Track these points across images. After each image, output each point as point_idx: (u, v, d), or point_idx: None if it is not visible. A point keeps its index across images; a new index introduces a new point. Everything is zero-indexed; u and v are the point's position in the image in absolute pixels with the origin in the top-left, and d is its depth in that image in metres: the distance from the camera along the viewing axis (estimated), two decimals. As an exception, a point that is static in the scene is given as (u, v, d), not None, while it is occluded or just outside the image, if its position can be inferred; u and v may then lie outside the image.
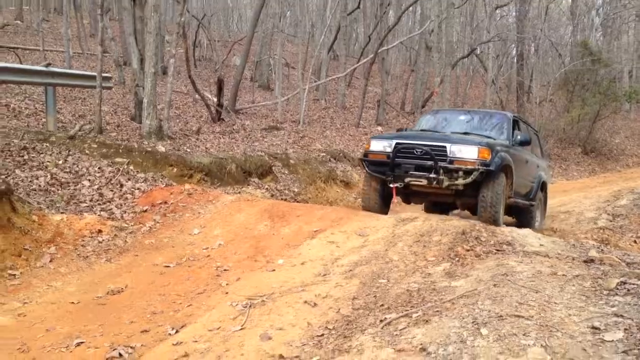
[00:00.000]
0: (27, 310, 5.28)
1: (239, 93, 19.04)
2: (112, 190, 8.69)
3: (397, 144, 7.61)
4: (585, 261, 5.25)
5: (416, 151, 7.43)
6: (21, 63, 15.14)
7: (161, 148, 10.68)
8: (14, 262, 6.13)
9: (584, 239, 8.33)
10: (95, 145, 9.88)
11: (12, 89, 13.35)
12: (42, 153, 9.13)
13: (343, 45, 26.94)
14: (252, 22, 18.84)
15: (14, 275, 5.94)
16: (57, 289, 5.84)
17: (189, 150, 11.36)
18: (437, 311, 4.25)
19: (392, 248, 6.23)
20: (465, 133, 8.37)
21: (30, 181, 8.25)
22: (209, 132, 13.66)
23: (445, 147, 7.31)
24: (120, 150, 9.88)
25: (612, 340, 3.36)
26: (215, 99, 15.85)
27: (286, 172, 12.16)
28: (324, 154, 13.70)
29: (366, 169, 7.98)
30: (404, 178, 7.46)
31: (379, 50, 19.72)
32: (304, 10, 33.74)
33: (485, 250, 5.80)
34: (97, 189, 8.63)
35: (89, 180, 8.81)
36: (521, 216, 9.31)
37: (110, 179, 8.95)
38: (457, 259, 5.61)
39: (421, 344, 3.64)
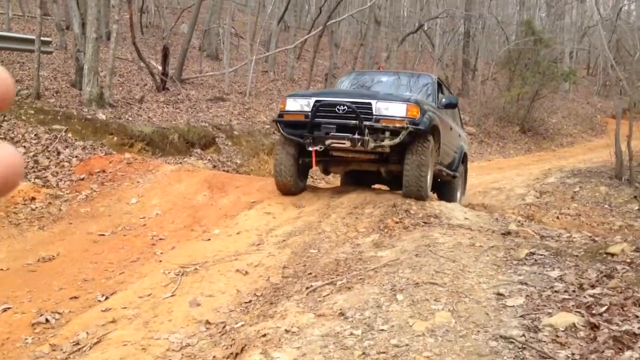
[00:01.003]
0: (-46, 276, 5.24)
1: (187, 62, 18.75)
2: (48, 158, 8.55)
3: (316, 101, 6.68)
4: (503, 234, 5.56)
5: (338, 109, 6.56)
6: (-45, 23, 14.52)
7: (102, 116, 10.52)
8: (-59, 228, 6.03)
9: (511, 214, 8.73)
10: (32, 111, 9.65)
11: (-56, 50, 12.82)
12: (-26, 118, 8.87)
13: (294, 17, 26.79)
14: (201, -10, 18.50)
15: (-59, 241, 5.86)
16: (-14, 256, 5.79)
17: (130, 119, 11.22)
18: (361, 279, 4.45)
19: (325, 220, 6.41)
20: (388, 94, 7.38)
21: (-39, 146, 8.02)
22: (153, 101, 13.47)
23: (370, 104, 6.54)
24: (59, 117, 9.69)
25: (513, 306, 3.64)
26: (160, 68, 15.60)
27: (229, 143, 12.17)
28: (269, 127, 13.74)
29: (281, 131, 6.92)
30: (324, 140, 6.56)
31: (328, 23, 19.72)
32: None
33: (413, 222, 6.04)
34: (33, 156, 8.48)
35: (24, 147, 8.63)
36: (443, 189, 8.75)
37: (47, 146, 8.80)
38: (386, 230, 5.83)
39: (340, 309, 3.84)
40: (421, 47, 34.74)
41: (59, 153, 8.74)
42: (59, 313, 4.52)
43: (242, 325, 4.00)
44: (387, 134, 6.42)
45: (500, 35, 31.09)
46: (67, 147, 8.97)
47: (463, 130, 10.01)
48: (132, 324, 4.23)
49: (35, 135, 8.99)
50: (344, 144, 6.54)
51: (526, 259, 4.50)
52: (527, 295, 3.78)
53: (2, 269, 5.44)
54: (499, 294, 3.86)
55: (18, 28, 17.86)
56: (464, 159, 9.22)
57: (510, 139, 20.91)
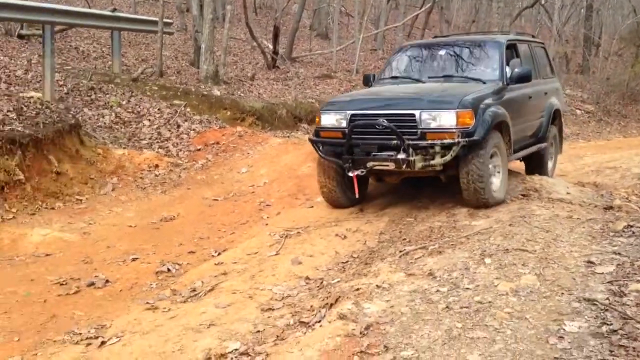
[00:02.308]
0: (91, 229, 6.00)
1: (297, 41, 19.32)
2: (169, 130, 9.33)
3: (352, 116, 5.77)
4: (604, 208, 5.48)
5: (378, 125, 5.59)
6: (89, 8, 15.89)
7: (216, 92, 11.23)
8: (81, 189, 6.87)
9: (623, 193, 8.41)
10: (156, 88, 10.51)
11: (81, 33, 14.12)
12: (107, 93, 9.82)
13: (404, -5, 26.55)
14: (311, -30, 18.92)
15: (81, 200, 6.69)
16: (118, 214, 6.54)
17: (242, 95, 11.87)
18: (452, 245, 4.63)
19: (424, 189, 6.59)
20: (446, 76, 6.55)
21: (96, 119, 8.96)
22: (263, 79, 14.12)
23: (413, 115, 5.48)
24: (179, 93, 10.48)
25: (602, 273, 3.68)
26: (271, 47, 16.23)
27: (336, 119, 12.52)
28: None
29: (319, 153, 6.06)
30: (366, 162, 5.68)
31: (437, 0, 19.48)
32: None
33: (512, 196, 6.07)
34: (156, 128, 9.29)
35: (149, 120, 9.47)
36: (530, 159, 7.50)
37: (169, 120, 9.59)
38: (482, 202, 5.92)
39: (430, 270, 4.05)
40: (539, 23, 33.22)
41: (178, 126, 9.50)
42: (178, 264, 5.09)
43: (338, 282, 4.32)
44: (438, 148, 5.42)
45: (627, 7, 29.08)
46: (185, 120, 9.72)
47: (554, 79, 8.37)
48: (240, 277, 4.68)
49: (158, 109, 9.81)
50: (387, 166, 5.63)
51: (623, 231, 4.47)
52: (618, 264, 3.80)
53: (131, 226, 6.13)
54: (589, 262, 3.90)
55: (143, 11, 19.17)
56: (554, 117, 7.76)
57: (633, 117, 19.68)
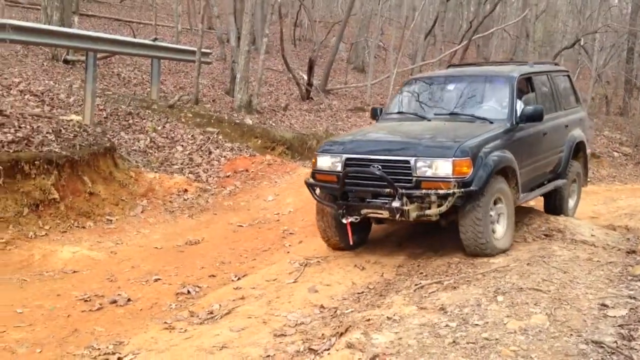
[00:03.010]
0: (118, 249, 6.19)
1: (333, 74, 19.64)
2: (201, 156, 9.58)
3: (347, 160, 5.51)
4: (627, 252, 5.43)
5: (373, 169, 5.33)
6: (134, 37, 16.50)
7: (249, 121, 11.51)
8: (111, 210, 7.11)
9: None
10: (191, 115, 10.84)
11: (124, 60, 14.66)
12: (144, 119, 10.17)
13: (440, 31, 26.79)
14: (349, 5, 19.31)
15: (111, 220, 6.92)
16: (145, 235, 6.74)
17: (274, 124, 12.13)
18: (467, 281, 4.65)
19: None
20: (453, 114, 6.19)
21: (132, 142, 9.28)
22: (296, 109, 14.39)
23: (408, 162, 5.21)
24: (212, 121, 10.79)
25: (614, 316, 3.67)
26: (306, 78, 16.55)
27: (366, 151, 12.66)
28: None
29: (315, 197, 5.83)
30: (360, 209, 5.47)
31: (473, 37, 19.62)
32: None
33: (534, 235, 6.06)
34: (189, 154, 9.55)
35: (182, 145, 9.75)
36: (549, 197, 7.13)
37: (201, 146, 9.86)
38: (504, 240, 5.92)
39: (442, 305, 4.09)
40: (579, 63, 33.01)
41: (210, 152, 9.75)
42: (199, 287, 5.22)
43: (352, 312, 4.38)
44: (434, 197, 5.11)
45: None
46: (217, 147, 9.97)
47: (578, 108, 7.78)
48: (257, 302, 4.78)
49: (191, 136, 10.09)
50: (381, 214, 5.42)
51: (642, 276, 4.43)
52: (631, 308, 3.78)
53: (156, 247, 6.32)
54: (603, 304, 3.89)
55: (185, 40, 19.79)
56: (577, 150, 7.29)
57: (676, 162, 19.29)
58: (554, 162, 6.93)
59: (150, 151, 9.30)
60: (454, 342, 3.39)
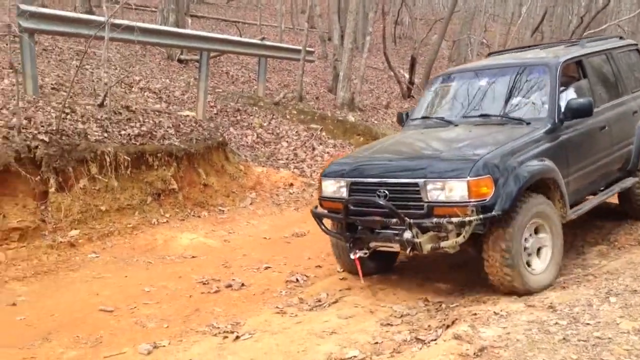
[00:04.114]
0: (230, 238, 6.59)
1: (434, 72, 19.50)
2: (305, 152, 9.91)
3: (352, 185, 4.76)
4: None
5: (379, 194, 4.54)
6: (241, 36, 17.18)
7: (351, 118, 11.72)
8: (223, 201, 7.55)
9: None
10: (295, 112, 11.20)
11: (231, 59, 15.34)
12: (251, 115, 10.64)
13: (548, 27, 25.81)
14: (452, 1, 19.09)
15: (223, 210, 7.35)
16: (254, 226, 7.11)
17: (376, 122, 12.29)
18: (577, 281, 4.59)
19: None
20: (483, 116, 5.24)
21: (240, 138, 9.75)
22: (397, 107, 14.46)
23: (417, 185, 4.35)
24: (316, 118, 11.09)
25: None
26: (407, 76, 16.57)
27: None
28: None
29: (321, 227, 5.08)
30: (368, 242, 4.74)
31: (585, 34, 18.76)
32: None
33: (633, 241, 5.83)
34: (293, 149, 9.90)
35: (287, 141, 10.12)
36: (623, 198, 6.11)
37: (305, 142, 10.18)
38: (615, 243, 5.75)
39: (551, 303, 4.07)
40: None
41: (313, 148, 10.06)
42: (306, 276, 5.46)
43: (457, 306, 4.45)
44: (450, 226, 4.22)
45: None
46: (320, 144, 10.26)
47: None
48: (362, 292, 4.96)
49: (296, 132, 10.45)
50: (391, 247, 4.67)
51: None
52: None
53: (265, 238, 6.65)
54: None
55: (288, 39, 20.34)
56: None
57: None
58: (620, 159, 5.77)
59: (257, 146, 9.72)
60: (564, 339, 3.39)
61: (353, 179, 4.77)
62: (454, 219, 4.17)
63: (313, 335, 4.02)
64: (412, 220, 4.30)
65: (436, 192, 4.28)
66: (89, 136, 6.45)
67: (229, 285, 5.15)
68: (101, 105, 7.26)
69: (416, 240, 4.31)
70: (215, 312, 4.61)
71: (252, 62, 15.08)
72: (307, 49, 12.94)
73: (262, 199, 7.96)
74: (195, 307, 4.66)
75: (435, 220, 4.27)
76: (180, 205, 6.98)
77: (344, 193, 4.80)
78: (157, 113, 8.04)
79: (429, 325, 4.08)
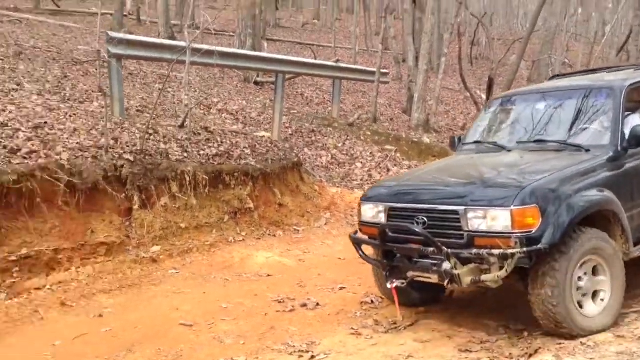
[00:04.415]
0: (305, 258, 6.62)
1: (510, 92, 19.13)
2: (379, 173, 9.87)
3: (390, 210, 4.53)
4: None
5: (417, 221, 4.27)
6: (315, 58, 17.45)
7: (426, 140, 11.61)
8: (298, 221, 7.62)
9: None
10: (369, 133, 11.21)
11: (306, 81, 15.58)
12: (325, 136, 10.73)
13: (634, 47, 24.74)
14: (532, 21, 18.63)
15: (298, 230, 7.42)
16: (329, 246, 7.12)
17: (452, 143, 12.10)
18: (670, 313, 4.31)
19: None
20: (539, 142, 4.89)
21: (315, 158, 9.84)
22: (474, 128, 14.23)
23: (457, 212, 4.08)
24: (390, 139, 11.06)
25: None
26: (484, 97, 16.26)
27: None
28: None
29: (359, 253, 4.86)
30: (406, 271, 4.49)
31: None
32: (598, 6, 31.65)
33: None
34: (367, 170, 9.89)
35: (361, 162, 10.13)
36: None
37: (379, 163, 10.16)
38: None
39: (642, 335, 3.84)
40: None
41: (388, 170, 10.01)
42: (381, 298, 5.39)
43: (540, 334, 4.26)
44: (493, 259, 3.89)
45: None
46: (395, 165, 10.20)
47: None
48: (440, 317, 4.85)
49: (370, 153, 10.45)
50: (429, 278, 4.35)
51: None
52: None
53: (340, 258, 6.64)
54: None
55: (362, 61, 20.49)
56: None
57: None
58: None
59: (332, 167, 9.78)
60: (659, 373, 3.18)
61: (391, 204, 4.53)
62: (496, 251, 3.83)
63: (389, 358, 3.96)
64: (450, 250, 4.02)
65: (477, 221, 3.98)
66: (170, 156, 6.69)
67: (304, 305, 5.16)
68: (182, 126, 7.53)
69: (455, 272, 4.02)
70: (291, 330, 4.62)
71: (327, 84, 15.26)
72: (382, 70, 12.97)
73: (337, 220, 7.97)
74: (270, 325, 4.69)
75: (475, 251, 3.96)
76: (256, 224, 7.09)
77: (382, 218, 4.58)
78: (234, 134, 8.25)
79: (510, 354, 3.93)
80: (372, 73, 12.83)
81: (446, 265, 4.07)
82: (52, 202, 5.48)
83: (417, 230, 4.20)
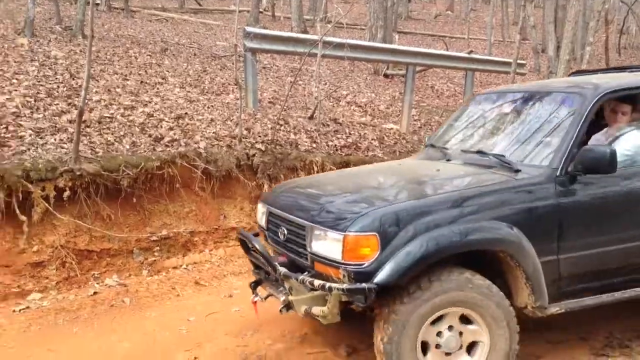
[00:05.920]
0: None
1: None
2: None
3: (270, 214, 3.91)
4: None
5: (281, 232, 3.69)
6: (447, 50, 17.06)
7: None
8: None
9: None
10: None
11: (437, 73, 15.29)
12: (456, 129, 10.45)
13: None
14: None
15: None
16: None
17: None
18: None
19: None
20: (480, 152, 3.90)
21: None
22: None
23: (304, 227, 3.40)
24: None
25: None
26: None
27: None
28: None
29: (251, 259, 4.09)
30: (265, 286, 3.88)
31: None
32: None
33: None
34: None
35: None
36: None
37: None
38: None
39: None
40: None
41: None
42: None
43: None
44: (324, 288, 3.13)
45: None
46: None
47: None
48: (570, 316, 4.56)
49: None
50: (279, 299, 3.52)
51: None
52: None
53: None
54: None
55: (497, 52, 19.73)
56: None
57: None
58: None
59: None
60: None
61: (270, 208, 3.91)
62: (317, 282, 3.16)
63: None
64: (284, 271, 3.36)
65: (318, 242, 3.28)
66: (299, 146, 6.87)
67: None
68: (311, 117, 7.70)
69: (290, 297, 3.35)
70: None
71: (458, 76, 14.87)
72: (519, 61, 12.37)
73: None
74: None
75: (301, 277, 3.27)
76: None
77: (263, 222, 4.03)
78: (362, 125, 8.29)
79: None
80: (508, 64, 12.27)
81: (284, 288, 3.47)
82: (189, 187, 5.86)
83: (255, 245, 3.67)
